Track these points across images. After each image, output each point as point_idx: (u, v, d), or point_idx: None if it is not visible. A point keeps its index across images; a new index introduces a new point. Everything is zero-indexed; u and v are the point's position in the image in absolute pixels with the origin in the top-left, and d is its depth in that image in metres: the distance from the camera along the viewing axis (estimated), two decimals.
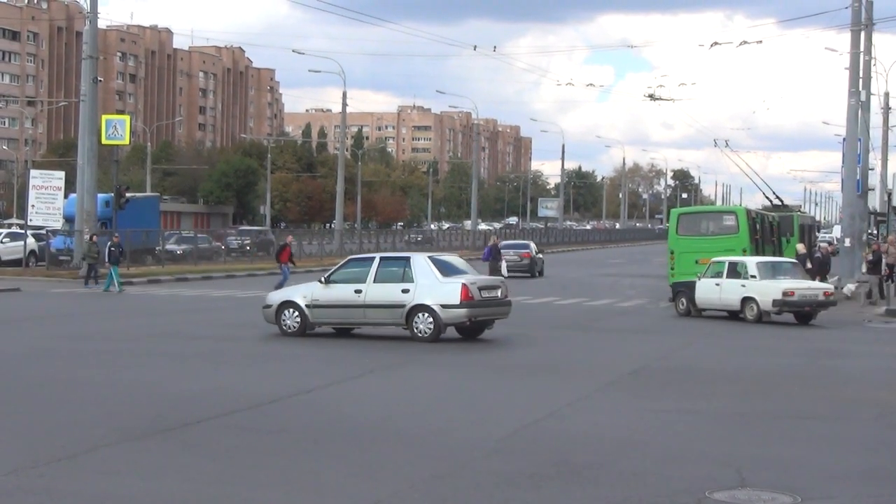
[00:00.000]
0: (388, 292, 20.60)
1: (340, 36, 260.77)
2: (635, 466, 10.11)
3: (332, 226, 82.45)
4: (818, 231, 69.11)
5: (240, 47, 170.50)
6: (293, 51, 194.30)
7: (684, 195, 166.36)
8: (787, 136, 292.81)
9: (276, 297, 22.01)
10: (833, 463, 10.65)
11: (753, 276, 26.42)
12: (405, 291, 20.47)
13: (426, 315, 20.31)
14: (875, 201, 52.79)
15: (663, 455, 10.64)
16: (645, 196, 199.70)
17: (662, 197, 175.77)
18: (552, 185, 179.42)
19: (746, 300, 26.43)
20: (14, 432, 11.39)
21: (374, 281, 20.78)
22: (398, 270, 20.94)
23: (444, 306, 20.24)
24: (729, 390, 15.17)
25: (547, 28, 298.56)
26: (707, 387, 15.44)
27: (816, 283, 27.87)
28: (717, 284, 27.16)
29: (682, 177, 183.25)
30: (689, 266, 31.14)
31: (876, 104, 50.77)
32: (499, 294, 21.26)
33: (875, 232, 46.68)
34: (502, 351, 19.87)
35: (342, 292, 21.01)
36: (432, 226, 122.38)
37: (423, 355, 18.67)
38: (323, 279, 21.64)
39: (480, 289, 20.68)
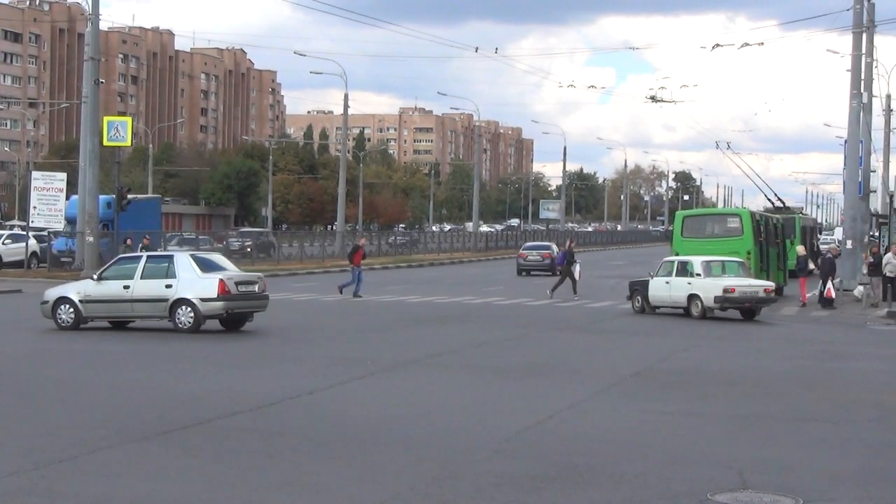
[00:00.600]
0: (153, 288, 21.98)
1: (342, 38, 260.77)
2: (637, 468, 10.11)
3: (334, 228, 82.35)
4: (820, 233, 69.14)
5: (241, 49, 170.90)
6: (295, 52, 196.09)
7: (686, 197, 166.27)
8: (789, 137, 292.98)
9: (52, 293, 23.01)
10: (834, 465, 10.64)
11: (698, 275, 27.43)
12: (168, 287, 21.86)
13: (187, 308, 21.68)
14: (877, 203, 52.69)
15: (665, 457, 10.64)
16: (646, 198, 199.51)
17: (664, 199, 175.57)
18: (554, 187, 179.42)
19: (692, 297, 27.40)
20: (16, 433, 11.40)
21: (142, 277, 22.18)
22: (163, 267, 22.39)
23: (203, 300, 21.64)
24: (730, 392, 15.16)
25: (548, 30, 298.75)
26: (708, 389, 15.44)
27: (757, 281, 28.59)
28: (667, 283, 28.13)
29: (684, 179, 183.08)
30: None
31: (878, 106, 50.84)
32: (256, 289, 22.52)
33: (877, 234, 46.58)
34: (503, 352, 19.86)
35: (112, 288, 22.30)
36: (434, 227, 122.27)
37: (422, 357, 18.68)
38: (95, 276, 23.04)
39: (237, 283, 22.06)
